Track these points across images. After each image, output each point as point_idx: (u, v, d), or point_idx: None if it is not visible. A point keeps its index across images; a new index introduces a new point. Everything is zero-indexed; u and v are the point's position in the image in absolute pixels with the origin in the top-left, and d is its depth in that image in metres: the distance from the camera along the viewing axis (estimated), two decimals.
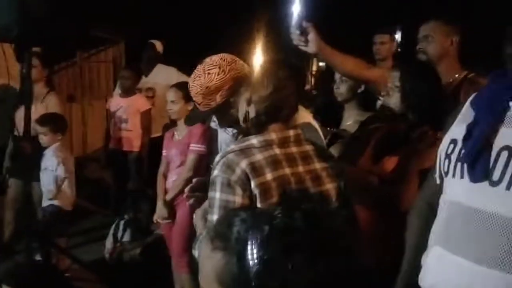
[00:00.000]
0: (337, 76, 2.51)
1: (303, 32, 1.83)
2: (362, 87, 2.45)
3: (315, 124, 1.80)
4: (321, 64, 5.20)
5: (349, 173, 1.75)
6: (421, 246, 1.37)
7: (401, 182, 1.80)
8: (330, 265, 0.71)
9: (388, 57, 3.73)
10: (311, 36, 1.84)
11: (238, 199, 1.32)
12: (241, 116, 1.49)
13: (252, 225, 0.73)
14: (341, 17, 6.76)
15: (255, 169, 1.34)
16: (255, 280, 0.69)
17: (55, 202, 3.26)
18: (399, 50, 4.50)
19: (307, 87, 2.87)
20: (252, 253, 0.70)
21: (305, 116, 1.77)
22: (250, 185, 1.32)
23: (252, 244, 0.71)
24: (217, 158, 1.41)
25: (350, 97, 2.56)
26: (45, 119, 3.23)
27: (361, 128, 2.30)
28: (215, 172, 1.37)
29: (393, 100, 1.90)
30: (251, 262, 0.70)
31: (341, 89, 2.55)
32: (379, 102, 2.77)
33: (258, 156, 1.36)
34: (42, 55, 3.62)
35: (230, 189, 1.32)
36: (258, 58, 1.84)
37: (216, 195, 1.34)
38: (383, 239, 1.70)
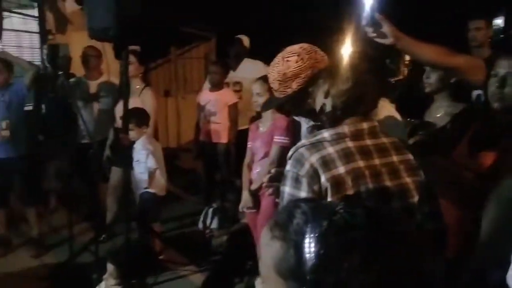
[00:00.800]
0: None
1: (377, 25, 1.77)
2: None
3: (398, 117, 1.73)
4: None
5: (441, 166, 1.66)
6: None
7: (499, 178, 1.66)
8: (389, 267, 0.68)
9: (484, 44, 3.48)
10: (385, 28, 1.77)
11: (303, 194, 1.32)
12: (317, 108, 1.49)
13: (312, 218, 0.72)
14: (434, 2, 6.37)
15: (326, 162, 1.32)
16: (310, 274, 0.68)
17: (150, 189, 3.49)
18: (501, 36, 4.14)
19: (395, 78, 2.76)
20: (309, 247, 0.69)
21: (388, 109, 1.72)
22: (319, 180, 1.31)
23: (309, 238, 0.70)
24: (290, 152, 1.41)
25: (441, 88, 2.42)
26: (128, 115, 3.34)
27: (455, 120, 2.16)
28: (287, 167, 1.38)
29: (493, 89, 1.75)
30: (307, 256, 0.69)
31: (431, 79, 2.43)
32: (474, 93, 2.60)
33: (330, 150, 1.34)
34: (139, 53, 3.86)
35: (298, 184, 1.33)
36: (339, 51, 1.81)
37: (286, 189, 1.36)
38: (470, 235, 1.60)
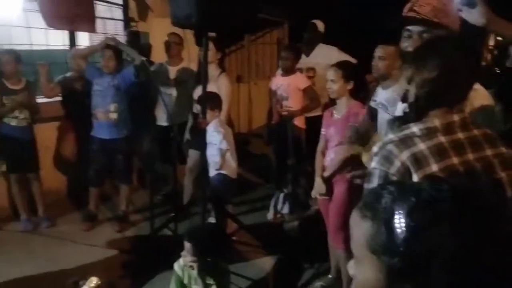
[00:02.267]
0: None
1: (471, 5, 1.68)
2: None
3: (493, 106, 1.63)
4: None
5: None
6: None
7: None
8: (477, 235, 0.74)
9: None
10: (479, 8, 1.68)
11: None
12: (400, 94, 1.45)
13: (399, 197, 0.78)
14: None
15: (418, 160, 1.25)
16: (403, 247, 0.74)
17: (221, 171, 3.61)
18: None
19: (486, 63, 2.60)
20: (400, 222, 0.75)
21: (482, 97, 1.62)
22: (410, 178, 1.25)
23: (399, 213, 0.76)
24: (375, 148, 1.35)
25: None
26: (204, 98, 3.43)
27: None
28: (373, 164, 1.33)
29: None
30: (398, 230, 0.74)
31: None
32: None
33: (421, 146, 1.26)
34: (216, 39, 3.96)
35: None
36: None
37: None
38: None
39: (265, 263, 3.40)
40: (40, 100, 4.17)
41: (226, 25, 3.06)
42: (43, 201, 4.07)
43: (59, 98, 4.41)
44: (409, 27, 1.64)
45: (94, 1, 4.88)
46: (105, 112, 3.88)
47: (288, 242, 3.70)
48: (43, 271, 3.21)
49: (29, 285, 3.06)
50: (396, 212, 0.76)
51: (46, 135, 4.35)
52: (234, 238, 3.61)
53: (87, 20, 4.58)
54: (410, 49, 1.63)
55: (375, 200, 0.80)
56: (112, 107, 3.89)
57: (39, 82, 4.08)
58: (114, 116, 3.90)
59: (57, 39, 4.75)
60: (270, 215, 4.05)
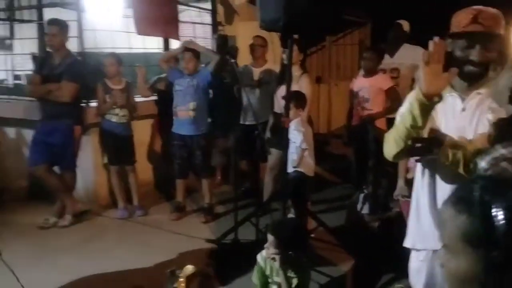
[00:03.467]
0: None
1: None
2: None
3: None
4: None
5: None
6: None
7: None
8: None
9: None
10: None
11: None
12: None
13: (493, 190, 0.80)
14: None
15: None
16: (503, 240, 0.76)
17: (299, 169, 3.71)
18: None
19: None
20: (498, 215, 0.77)
21: None
22: None
23: (496, 207, 0.78)
24: (483, 164, 1.28)
25: None
26: (289, 97, 3.53)
27: None
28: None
29: None
30: (498, 224, 0.77)
31: None
32: None
33: None
34: (298, 41, 4.07)
35: None
36: None
37: None
38: None
39: (343, 263, 3.44)
40: (137, 99, 4.55)
41: (312, 28, 3.16)
42: (138, 192, 4.45)
43: (154, 98, 4.79)
44: (471, 37, 1.60)
45: (186, 7, 5.21)
46: (185, 110, 4.16)
47: (367, 242, 3.70)
48: (137, 255, 3.53)
49: (124, 267, 3.37)
50: (494, 206, 0.78)
51: (142, 131, 4.73)
52: (312, 235, 3.69)
53: (172, 28, 4.90)
54: (474, 58, 1.60)
55: (469, 193, 0.82)
56: (191, 105, 4.16)
57: (137, 82, 4.47)
58: (193, 114, 4.17)
59: (153, 43, 5.15)
60: (349, 214, 4.07)
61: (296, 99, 3.69)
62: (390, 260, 3.34)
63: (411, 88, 3.01)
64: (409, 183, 2.93)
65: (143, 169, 4.73)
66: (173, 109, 4.23)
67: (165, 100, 4.54)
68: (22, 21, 5.80)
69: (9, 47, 6.31)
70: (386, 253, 3.44)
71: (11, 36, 6.22)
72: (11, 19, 5.90)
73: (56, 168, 4.14)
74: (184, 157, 4.27)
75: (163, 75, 4.68)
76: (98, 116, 4.31)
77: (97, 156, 4.48)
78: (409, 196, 2.97)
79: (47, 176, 3.98)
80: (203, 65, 4.39)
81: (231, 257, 3.41)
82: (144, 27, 4.52)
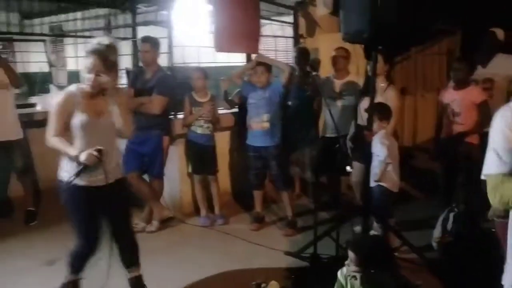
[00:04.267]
0: None
1: None
2: None
3: None
4: None
5: None
6: None
7: None
8: None
9: None
10: None
11: None
12: None
13: None
14: None
15: None
16: None
17: (381, 183, 3.59)
18: None
19: None
20: None
21: None
22: None
23: None
24: None
25: None
26: (373, 109, 3.42)
27: None
28: None
29: None
30: None
31: None
32: None
33: None
34: (383, 52, 3.96)
35: None
36: None
37: None
38: None
39: (429, 285, 3.26)
40: (221, 111, 4.71)
41: (397, 39, 3.08)
42: (219, 201, 4.58)
43: (235, 110, 4.92)
44: None
45: (269, 21, 5.32)
46: (259, 122, 4.22)
47: (456, 264, 3.48)
48: (217, 263, 3.62)
49: (206, 274, 3.47)
50: None
51: (223, 142, 4.88)
52: (396, 254, 3.54)
53: (252, 43, 5.00)
54: None
55: None
56: (265, 117, 4.21)
57: (221, 95, 4.62)
58: (266, 125, 4.21)
59: (237, 57, 5.31)
60: (437, 233, 3.85)
61: (380, 111, 3.60)
62: (482, 285, 3.13)
63: (506, 101, 2.80)
64: None
65: (224, 179, 4.87)
66: (247, 121, 4.32)
67: (241, 113, 4.65)
68: (118, 38, 6.26)
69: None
70: (477, 276, 3.22)
71: None
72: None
73: (145, 176, 4.39)
74: (258, 168, 4.33)
75: None
76: (184, 127, 4.51)
77: (182, 165, 4.69)
78: (505, 216, 2.76)
79: (137, 183, 4.24)
80: (275, 77, 4.43)
81: (310, 272, 3.37)
82: (223, 44, 4.66)
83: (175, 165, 4.65)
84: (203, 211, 4.54)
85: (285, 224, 4.36)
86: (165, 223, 4.40)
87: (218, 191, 4.58)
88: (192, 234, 4.30)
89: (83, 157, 2.46)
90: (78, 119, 2.55)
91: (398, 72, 7.56)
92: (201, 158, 4.48)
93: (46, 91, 6.01)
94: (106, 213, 2.70)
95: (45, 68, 7.29)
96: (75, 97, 2.57)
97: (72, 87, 2.62)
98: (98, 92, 2.57)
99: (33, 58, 7.67)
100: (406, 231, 3.99)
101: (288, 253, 3.73)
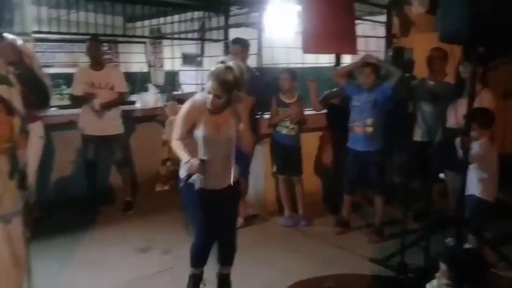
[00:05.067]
0: None
1: None
2: None
3: None
4: None
5: None
6: None
7: None
8: None
9: None
10: None
11: None
12: None
13: None
14: None
15: None
16: None
17: (477, 194, 3.36)
18: None
19: None
20: None
21: None
22: None
23: None
24: None
25: None
26: (473, 114, 3.19)
27: None
28: None
29: None
30: None
31: None
32: None
33: None
34: (481, 53, 3.68)
35: None
36: None
37: None
38: None
39: None
40: (307, 112, 4.70)
41: (499, 39, 2.85)
42: (303, 202, 4.58)
43: (324, 111, 4.88)
44: None
45: (361, 21, 5.20)
46: (362, 125, 4.10)
47: None
48: (297, 263, 3.62)
49: (285, 274, 3.49)
50: None
51: (309, 143, 4.86)
52: (493, 270, 3.29)
53: (346, 43, 4.89)
54: None
55: None
56: (369, 121, 4.07)
57: (309, 96, 4.61)
58: (369, 129, 4.08)
59: (325, 58, 5.26)
60: None
61: (482, 118, 3.35)
62: None
63: None
64: None
65: (310, 181, 4.85)
66: (349, 124, 4.21)
67: (337, 114, 4.57)
68: (211, 40, 6.52)
69: (200, 64, 7.17)
70: None
71: (202, 54, 7.05)
72: (202, 39, 6.69)
73: None
74: (356, 173, 4.21)
75: (334, 89, 4.73)
76: (270, 128, 4.57)
77: (267, 164, 4.76)
78: None
79: None
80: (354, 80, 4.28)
81: (396, 281, 3.25)
82: (311, 46, 4.63)
83: (260, 164, 4.73)
84: (286, 211, 4.57)
85: (372, 230, 4.24)
86: (249, 220, 4.49)
87: (302, 192, 4.57)
88: (275, 233, 4.35)
89: (187, 165, 2.62)
90: (199, 130, 2.70)
91: (500, 74, 6.99)
92: (285, 158, 4.51)
93: (145, 89, 6.41)
94: (216, 213, 2.83)
95: (144, 68, 7.80)
96: (200, 107, 2.71)
97: (198, 96, 2.78)
98: (218, 110, 2.71)
99: (134, 59, 8.25)
100: (504, 246, 3.71)
101: (373, 260, 3.63)
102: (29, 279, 2.29)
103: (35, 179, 4.09)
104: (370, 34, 5.75)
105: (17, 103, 2.06)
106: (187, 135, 2.75)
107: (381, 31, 5.73)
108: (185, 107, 2.78)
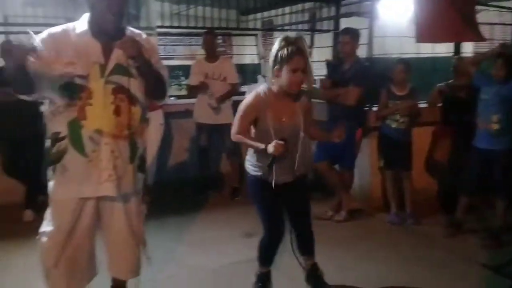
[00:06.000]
0: None
1: None
2: None
3: None
4: None
5: None
6: None
7: None
8: None
9: None
10: None
11: None
12: None
13: None
14: None
15: None
16: None
17: None
18: None
19: None
20: None
21: None
22: None
23: None
24: None
25: None
26: None
27: None
28: None
29: None
30: None
31: None
32: None
33: None
34: None
35: None
36: None
37: None
38: None
39: None
40: (422, 105, 4.45)
41: None
42: (411, 199, 4.37)
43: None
44: None
45: (485, 7, 4.75)
46: (486, 121, 3.77)
47: None
48: (400, 263, 3.48)
49: (386, 273, 3.38)
50: None
51: (421, 138, 4.60)
52: None
53: (467, 31, 4.48)
54: None
55: None
56: (495, 117, 3.72)
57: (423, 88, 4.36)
58: (495, 126, 3.73)
59: (442, 47, 4.92)
60: None
61: None
62: None
63: None
64: None
65: (419, 178, 4.60)
66: (475, 119, 3.89)
67: (457, 108, 4.28)
68: (321, 31, 6.47)
69: (309, 55, 7.16)
70: None
71: (311, 45, 7.04)
72: (312, 30, 6.67)
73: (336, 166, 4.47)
74: (476, 173, 3.88)
75: (450, 81, 4.42)
76: (378, 120, 4.42)
77: (374, 159, 4.62)
78: None
79: (327, 172, 4.35)
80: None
81: None
82: (425, 34, 4.33)
83: (367, 158, 4.62)
84: (393, 208, 4.40)
85: (488, 235, 3.90)
86: (353, 214, 4.42)
87: (410, 189, 4.37)
88: (378, 230, 4.22)
89: (270, 148, 2.50)
90: (265, 121, 2.61)
91: None
92: (394, 153, 4.33)
93: (255, 81, 6.61)
94: (289, 204, 2.82)
95: (256, 60, 8.03)
96: (264, 99, 2.63)
97: (261, 88, 2.69)
98: (292, 93, 2.63)
99: (247, 51, 8.52)
100: None
101: (487, 266, 3.36)
102: (146, 252, 2.55)
103: (154, 163, 4.50)
104: (496, 21, 5.23)
105: (138, 93, 2.29)
106: (248, 130, 2.67)
107: (508, 17, 5.18)
108: (247, 99, 2.67)
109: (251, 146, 2.67)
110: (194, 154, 5.13)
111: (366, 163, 4.65)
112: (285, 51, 2.51)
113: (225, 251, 3.69)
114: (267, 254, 2.91)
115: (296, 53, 2.52)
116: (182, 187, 5.16)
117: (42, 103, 2.79)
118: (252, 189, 2.80)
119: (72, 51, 2.13)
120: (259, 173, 2.69)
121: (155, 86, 2.32)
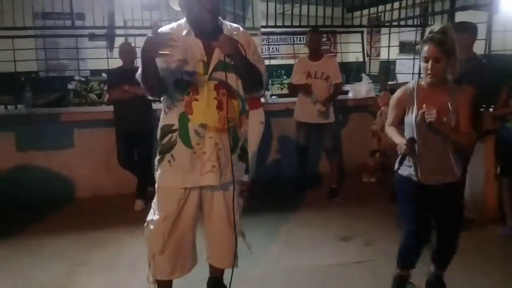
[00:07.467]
0: None
1: None
2: None
3: None
4: None
5: None
6: None
7: None
8: None
9: None
10: None
11: None
12: None
13: None
14: None
15: None
16: None
17: None
18: None
19: None
20: None
21: None
22: None
23: None
24: None
25: None
26: None
27: None
28: None
29: None
30: None
31: None
32: None
33: None
34: None
35: None
36: None
37: None
38: None
39: None
40: None
41: None
42: None
43: None
44: None
45: None
46: None
47: None
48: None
49: None
50: None
51: None
52: None
53: None
54: None
55: None
56: None
57: None
58: None
59: None
60: None
61: None
62: None
63: None
64: None
65: None
66: None
67: None
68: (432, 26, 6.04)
69: (418, 52, 6.75)
70: None
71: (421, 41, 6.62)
72: (423, 25, 6.27)
73: None
74: None
75: None
76: (496, 122, 4.01)
77: (489, 165, 4.20)
78: None
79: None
80: None
81: None
82: None
83: (481, 164, 4.21)
84: (509, 221, 3.97)
85: None
86: (463, 225, 4.06)
87: None
88: (491, 243, 3.82)
89: (401, 146, 2.50)
90: (411, 115, 2.56)
91: None
92: None
93: (359, 79, 6.41)
94: (437, 209, 2.67)
95: (360, 58, 7.79)
96: (412, 92, 2.58)
97: (411, 82, 2.67)
98: (439, 82, 2.51)
99: (351, 49, 8.30)
100: None
101: None
102: (244, 240, 2.64)
103: (254, 161, 4.58)
104: None
105: (237, 87, 2.36)
106: (398, 122, 2.66)
107: None
108: (397, 92, 2.70)
109: (393, 139, 2.64)
110: (293, 153, 5.12)
111: (480, 170, 4.24)
112: (431, 38, 2.45)
113: (320, 252, 3.63)
114: (407, 257, 2.78)
115: (427, 42, 2.45)
116: (279, 185, 5.18)
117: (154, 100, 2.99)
118: (398, 187, 2.73)
119: (182, 48, 2.26)
120: (405, 172, 2.63)
121: (252, 80, 2.37)
